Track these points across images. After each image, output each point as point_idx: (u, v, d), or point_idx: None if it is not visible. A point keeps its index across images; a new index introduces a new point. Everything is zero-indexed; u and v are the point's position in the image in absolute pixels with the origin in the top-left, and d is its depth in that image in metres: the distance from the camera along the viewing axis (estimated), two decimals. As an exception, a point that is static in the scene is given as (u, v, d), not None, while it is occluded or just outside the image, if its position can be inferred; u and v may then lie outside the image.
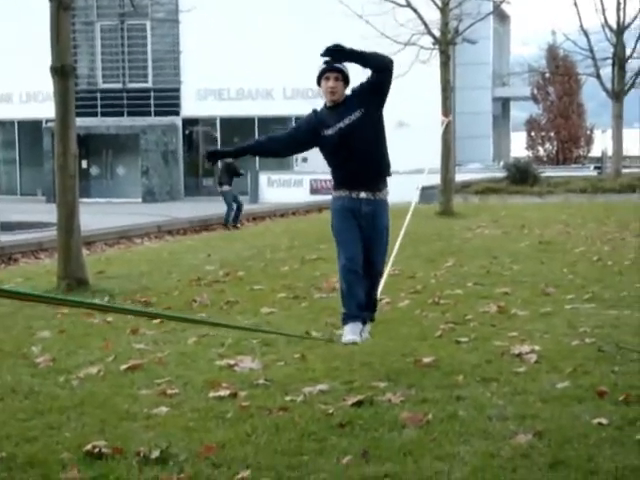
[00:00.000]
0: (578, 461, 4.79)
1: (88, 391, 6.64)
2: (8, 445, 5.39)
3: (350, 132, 7.08)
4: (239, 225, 25.14)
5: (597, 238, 16.71)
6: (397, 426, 5.52)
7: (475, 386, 6.41)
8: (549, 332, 8.22)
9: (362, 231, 7.19)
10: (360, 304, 7.13)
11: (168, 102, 42.50)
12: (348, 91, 7.21)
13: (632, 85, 36.15)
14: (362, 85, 7.13)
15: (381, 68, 7.03)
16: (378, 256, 7.38)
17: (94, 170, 41.60)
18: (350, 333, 7.05)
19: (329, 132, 7.13)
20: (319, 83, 7.14)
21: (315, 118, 7.27)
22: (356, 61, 6.94)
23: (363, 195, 7.15)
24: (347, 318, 7.13)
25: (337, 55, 6.93)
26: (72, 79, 12.54)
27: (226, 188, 25.37)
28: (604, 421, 5.45)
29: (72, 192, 12.47)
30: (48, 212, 16.73)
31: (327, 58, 7.05)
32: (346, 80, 7.09)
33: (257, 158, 39.65)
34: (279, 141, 7.65)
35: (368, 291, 7.32)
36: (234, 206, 25.30)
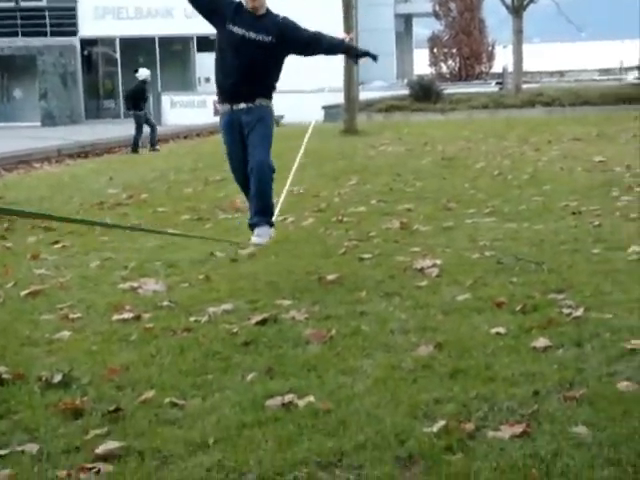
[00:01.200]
0: (477, 370, 4.89)
1: (-12, 317, 6.57)
2: None
3: (251, 45, 7.19)
4: (158, 147, 24.21)
5: (498, 153, 16.95)
6: (301, 342, 5.56)
7: (378, 301, 6.47)
8: (450, 246, 8.34)
9: (246, 138, 7.51)
10: (255, 209, 7.79)
11: (64, 22, 41.47)
12: (273, 9, 7.26)
13: (531, 0, 36.40)
14: (297, 29, 7.37)
15: (326, 52, 7.66)
16: (259, 149, 7.57)
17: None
18: (258, 237, 7.71)
19: (234, 29, 7.25)
20: None
21: (233, 9, 7.36)
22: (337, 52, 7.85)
23: (242, 105, 7.43)
24: (253, 223, 7.92)
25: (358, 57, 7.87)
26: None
27: (138, 112, 24.21)
28: (502, 330, 5.56)
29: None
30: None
31: None
32: None
33: (159, 80, 39.26)
34: None
35: (258, 195, 7.72)
36: (144, 129, 24.33)
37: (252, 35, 7.19)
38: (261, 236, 7.72)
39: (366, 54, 7.67)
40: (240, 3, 7.43)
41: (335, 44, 7.54)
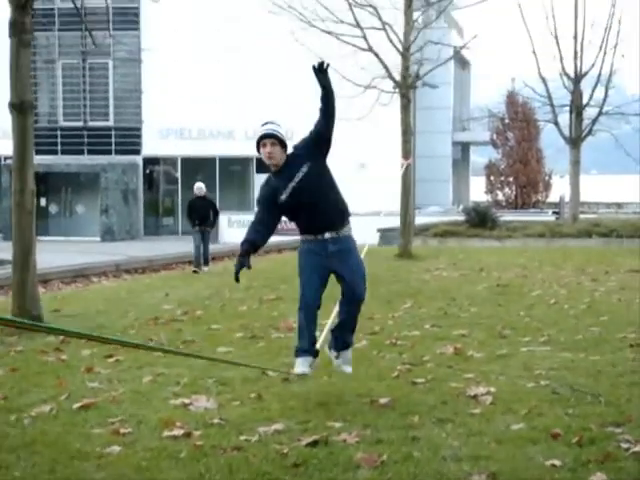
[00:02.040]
0: (531, 502, 4.79)
1: (39, 430, 6.55)
2: (-44, 484, 5.31)
3: (302, 188, 7.34)
4: (204, 269, 22.31)
5: (554, 282, 16.83)
6: (352, 466, 5.49)
7: (430, 427, 6.39)
8: (504, 374, 8.23)
9: (334, 268, 7.46)
10: (312, 341, 7.52)
11: (129, 141, 42.48)
12: (290, 151, 7.46)
13: (589, 132, 36.63)
14: (305, 139, 7.44)
15: (331, 109, 7.32)
16: (358, 285, 7.53)
17: (53, 208, 41.36)
18: (301, 365, 7.42)
19: (283, 197, 7.39)
20: (258, 150, 7.47)
21: (269, 187, 7.54)
22: (326, 86, 7.25)
23: (327, 235, 7.43)
24: (299, 352, 7.49)
25: (320, 72, 7.25)
26: (31, 116, 12.49)
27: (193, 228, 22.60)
28: (557, 463, 5.45)
29: (29, 229, 12.39)
30: (4, 249, 16.59)
31: (267, 125, 7.46)
32: (282, 144, 7.38)
33: (218, 199, 39.86)
34: (263, 230, 7.67)
35: (350, 320, 7.67)
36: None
37: (295, 181, 7.33)
38: (347, 365, 7.71)
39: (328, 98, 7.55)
40: (268, 179, 7.62)
41: (323, 105, 7.38)
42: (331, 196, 7.48)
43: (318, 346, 7.95)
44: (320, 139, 7.38)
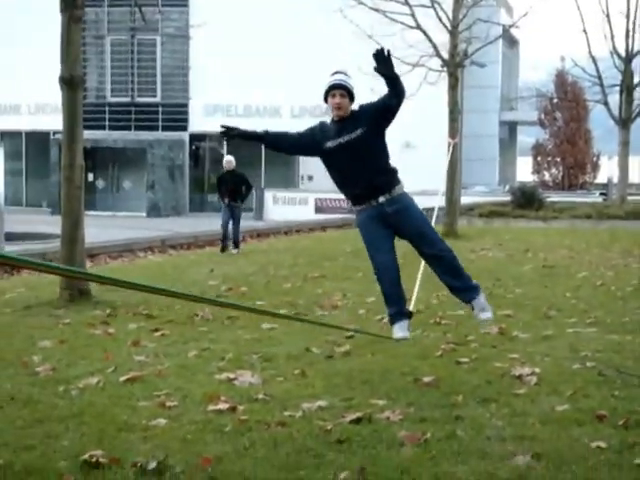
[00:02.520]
0: (576, 484, 4.78)
1: (87, 401, 6.64)
2: (6, 453, 5.40)
3: (348, 149, 7.26)
4: (236, 250, 20.52)
5: (601, 264, 16.70)
6: (395, 444, 5.50)
7: (474, 406, 6.39)
8: (550, 355, 8.20)
9: (399, 231, 7.38)
10: (401, 303, 7.53)
11: (176, 117, 42.63)
12: (355, 106, 7.36)
13: (639, 113, 36.19)
14: (373, 104, 7.31)
15: (401, 95, 7.21)
16: (433, 241, 7.46)
17: (100, 183, 41.71)
18: (399, 331, 7.45)
19: (329, 145, 7.32)
20: (326, 99, 7.33)
21: (320, 129, 7.48)
22: (390, 76, 7.10)
23: (382, 199, 7.31)
24: (393, 317, 7.52)
25: (381, 58, 7.04)
26: (81, 91, 12.57)
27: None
28: (603, 445, 5.43)
29: (77, 203, 12.49)
30: (53, 224, 16.75)
31: (337, 74, 7.31)
32: (351, 96, 7.27)
33: (263, 176, 39.88)
34: (286, 139, 7.76)
35: (450, 269, 7.51)
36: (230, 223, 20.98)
37: (345, 139, 7.25)
38: (485, 310, 7.55)
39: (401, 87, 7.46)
40: (323, 122, 7.57)
41: (395, 91, 7.23)
42: (377, 161, 7.35)
43: (411, 308, 7.96)
44: (387, 111, 7.24)
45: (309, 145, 7.55)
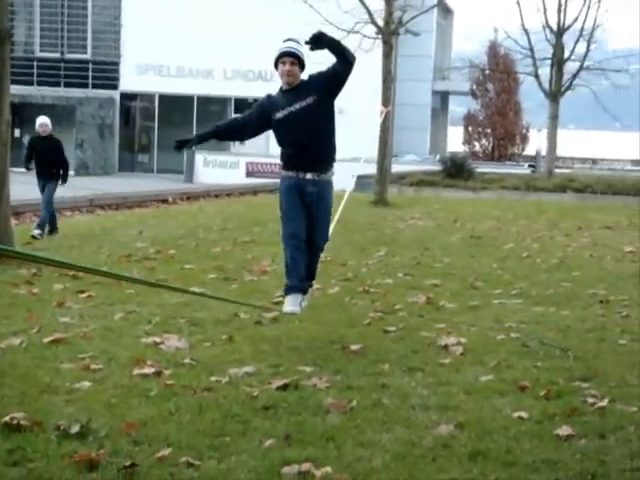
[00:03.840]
0: (497, 453, 4.83)
1: (9, 362, 6.56)
2: None
3: (299, 116, 7.34)
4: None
5: (527, 235, 16.91)
6: (321, 411, 5.53)
7: (400, 375, 6.43)
8: (476, 325, 8.29)
9: (307, 209, 7.48)
10: (301, 277, 7.49)
11: (107, 75, 42.01)
12: (305, 76, 7.41)
13: (569, 87, 36.58)
14: (322, 73, 7.36)
15: (349, 61, 7.26)
16: (320, 232, 7.64)
17: (26, 139, 40.96)
18: (291, 304, 7.42)
19: (280, 115, 7.38)
20: (276, 66, 7.35)
21: (268, 102, 7.54)
22: (334, 49, 7.16)
23: (309, 176, 7.44)
24: (289, 290, 7.48)
25: (318, 42, 7.09)
26: (7, 45, 12.32)
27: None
28: (524, 415, 5.51)
29: (3, 160, 12.27)
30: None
31: (288, 41, 7.35)
32: (302, 64, 7.32)
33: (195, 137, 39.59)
34: (236, 126, 7.89)
35: (309, 264, 7.62)
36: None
37: (297, 107, 7.33)
38: (294, 305, 7.62)
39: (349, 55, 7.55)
40: (269, 94, 7.66)
41: (343, 57, 7.29)
42: (324, 136, 7.49)
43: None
44: (336, 78, 7.32)
45: (261, 123, 7.61)
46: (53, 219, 15.89)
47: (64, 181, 16.30)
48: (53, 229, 15.78)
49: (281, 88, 7.47)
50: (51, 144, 16.10)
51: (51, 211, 15.84)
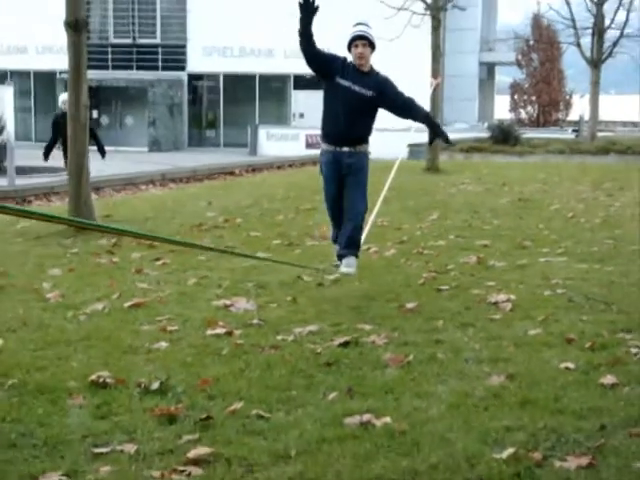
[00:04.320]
0: (546, 402, 4.82)
1: (94, 326, 6.67)
2: (19, 373, 5.42)
3: (353, 97, 7.46)
4: None
5: (572, 197, 16.73)
6: (380, 366, 5.55)
7: (453, 331, 6.44)
8: (524, 282, 8.25)
9: (343, 180, 7.65)
10: (342, 243, 7.70)
11: (175, 57, 42.18)
12: (378, 67, 7.61)
13: (609, 54, 36.10)
14: (393, 90, 7.60)
15: (410, 119, 7.82)
16: (358, 197, 7.69)
17: (104, 120, 41.31)
18: (346, 266, 7.58)
19: (341, 82, 7.47)
20: (349, 49, 7.48)
21: (340, 64, 7.56)
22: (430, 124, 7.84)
23: (345, 149, 7.59)
24: (339, 255, 7.74)
25: (439, 135, 7.73)
26: (84, 33, 12.43)
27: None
28: (571, 366, 5.49)
29: (82, 140, 12.44)
30: (60, 158, 16.63)
31: (359, 25, 7.49)
32: (372, 46, 7.46)
33: (257, 114, 39.75)
34: (315, 48, 7.58)
35: (351, 234, 7.67)
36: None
37: (356, 88, 7.45)
38: (350, 266, 7.68)
39: (442, 136, 7.70)
40: (346, 59, 7.62)
41: (421, 115, 7.71)
42: (364, 123, 7.64)
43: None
44: (389, 106, 7.59)
45: (326, 65, 7.60)
46: None
47: (102, 153, 16.04)
48: None
49: (353, 64, 7.51)
50: None
51: None
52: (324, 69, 7.65)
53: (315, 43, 7.62)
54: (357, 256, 7.76)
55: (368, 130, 7.72)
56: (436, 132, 7.79)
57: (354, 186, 7.66)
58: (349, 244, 7.70)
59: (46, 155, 14.97)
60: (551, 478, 3.85)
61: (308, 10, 7.38)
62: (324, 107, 7.74)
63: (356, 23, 7.57)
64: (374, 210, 9.72)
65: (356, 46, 7.43)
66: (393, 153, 13.87)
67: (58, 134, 14.74)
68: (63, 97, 15.36)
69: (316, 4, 7.34)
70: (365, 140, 7.70)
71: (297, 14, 7.40)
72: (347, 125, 7.50)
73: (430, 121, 7.84)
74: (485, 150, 32.35)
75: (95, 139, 15.41)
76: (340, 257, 7.71)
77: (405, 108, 7.64)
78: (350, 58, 7.58)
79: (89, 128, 13.59)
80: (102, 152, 16.07)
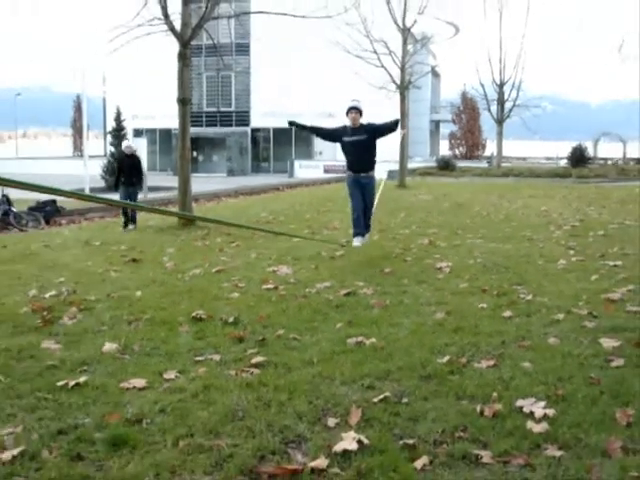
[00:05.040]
0: (469, 328, 4.80)
1: (194, 283, 6.68)
2: (150, 311, 5.44)
3: (356, 143, 7.66)
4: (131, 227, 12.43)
5: (486, 203, 16.60)
6: (369, 307, 5.53)
7: (414, 285, 6.41)
8: (457, 255, 8.20)
9: (362, 192, 7.82)
10: (361, 228, 7.85)
11: (243, 118, 42.14)
12: (364, 121, 7.68)
13: (508, 116, 37.02)
14: (376, 125, 7.69)
15: (393, 130, 7.69)
16: (370, 202, 7.99)
17: (200, 157, 41.25)
18: (357, 242, 7.81)
19: (347, 139, 7.69)
20: (347, 113, 7.65)
21: (342, 129, 7.82)
22: (395, 125, 7.64)
23: (362, 174, 7.78)
24: (355, 235, 7.85)
25: (396, 122, 7.65)
26: (188, 105, 12.44)
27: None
28: (485, 306, 5.46)
29: (187, 170, 12.46)
30: (173, 181, 16.68)
31: (354, 101, 7.65)
32: (361, 113, 7.65)
33: (293, 152, 39.57)
34: (324, 131, 8.09)
35: (366, 220, 7.98)
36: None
37: (355, 138, 7.60)
38: (360, 242, 7.89)
39: (397, 123, 7.75)
40: (345, 125, 7.80)
41: (391, 123, 7.69)
42: (369, 155, 7.76)
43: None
44: (378, 134, 7.66)
45: (335, 136, 7.88)
46: (135, 215, 12.59)
47: (140, 187, 13.04)
48: (134, 221, 12.50)
49: (349, 125, 7.70)
50: (134, 160, 12.67)
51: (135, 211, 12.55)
52: (334, 139, 7.92)
53: (320, 129, 8.07)
54: (364, 235, 8.01)
55: (373, 160, 7.81)
56: (396, 123, 7.74)
57: (369, 195, 7.89)
58: (366, 227, 8.03)
59: (116, 186, 12.62)
60: (471, 373, 3.83)
61: (295, 126, 7.83)
62: (343, 153, 7.87)
63: (352, 99, 7.73)
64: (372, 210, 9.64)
65: (351, 112, 7.55)
66: (379, 175, 13.87)
67: (121, 171, 12.59)
68: (125, 143, 13.94)
69: (296, 122, 7.85)
70: (372, 168, 7.82)
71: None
72: (360, 160, 7.71)
73: (396, 121, 7.79)
74: (434, 174, 32.25)
75: (140, 176, 12.85)
76: (356, 234, 7.84)
77: (385, 128, 7.64)
78: (347, 121, 7.72)
79: (141, 168, 12.71)
80: (140, 184, 13.04)
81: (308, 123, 8.29)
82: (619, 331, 4.58)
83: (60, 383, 3.76)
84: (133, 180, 12.63)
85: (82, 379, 3.80)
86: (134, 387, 3.69)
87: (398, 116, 24.69)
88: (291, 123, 8.00)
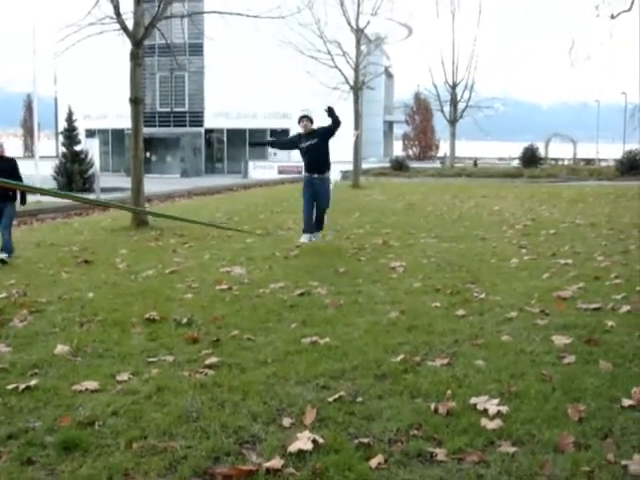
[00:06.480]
0: (423, 326, 4.83)
1: (147, 284, 6.58)
2: (102, 313, 5.34)
3: (311, 147, 8.33)
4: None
5: (439, 202, 16.81)
6: (323, 307, 5.52)
7: (368, 285, 6.43)
8: (411, 254, 8.27)
9: (315, 191, 8.41)
10: (310, 226, 8.47)
11: (197, 119, 41.72)
12: (315, 126, 8.43)
13: (460, 117, 37.39)
14: (324, 128, 8.37)
15: (338, 124, 8.17)
16: (323, 202, 8.53)
17: (153, 158, 40.66)
18: (304, 238, 8.42)
19: (302, 145, 8.39)
20: (299, 122, 8.41)
21: (297, 137, 8.58)
22: (334, 117, 8.03)
23: (315, 175, 8.41)
24: (304, 231, 8.48)
25: (331, 111, 8.04)
26: (141, 105, 12.25)
27: None
28: (438, 304, 5.51)
29: (140, 170, 12.26)
30: (126, 182, 16.39)
31: (305, 111, 8.74)
32: (311, 121, 8.40)
33: (247, 152, 39.39)
34: (280, 142, 9.37)
35: (318, 218, 8.60)
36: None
37: (310, 142, 8.31)
38: (307, 239, 8.45)
39: (335, 116, 8.08)
40: (299, 133, 8.51)
41: (332, 120, 8.08)
42: (323, 157, 8.41)
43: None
44: (329, 133, 8.31)
45: (291, 145, 8.77)
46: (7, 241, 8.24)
47: (23, 202, 8.53)
48: (7, 250, 8.16)
49: (302, 132, 8.42)
50: (7, 163, 8.22)
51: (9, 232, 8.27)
52: (291, 147, 8.82)
53: (277, 141, 9.24)
54: (313, 232, 8.56)
55: (327, 162, 8.38)
56: (334, 119, 8.07)
57: (323, 195, 8.41)
58: (317, 227, 8.59)
59: None
60: (425, 372, 3.85)
61: (256, 145, 8.64)
62: (301, 156, 8.46)
63: (303, 109, 8.79)
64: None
65: (302, 120, 8.37)
66: (333, 176, 13.90)
67: None
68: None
69: (256, 142, 8.54)
70: (326, 169, 8.41)
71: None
72: (314, 162, 8.32)
73: (333, 118, 8.05)
74: (387, 174, 32.46)
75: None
76: (305, 231, 8.41)
77: (330, 127, 8.18)
78: (300, 129, 8.45)
79: (18, 173, 8.09)
80: (23, 198, 8.47)
81: (265, 139, 9.12)
82: (570, 328, 4.67)
83: (10, 386, 3.65)
84: (9, 192, 8.26)
85: (33, 382, 3.69)
86: (86, 389, 3.61)
87: (350, 115, 24.99)
88: (251, 144, 8.95)
